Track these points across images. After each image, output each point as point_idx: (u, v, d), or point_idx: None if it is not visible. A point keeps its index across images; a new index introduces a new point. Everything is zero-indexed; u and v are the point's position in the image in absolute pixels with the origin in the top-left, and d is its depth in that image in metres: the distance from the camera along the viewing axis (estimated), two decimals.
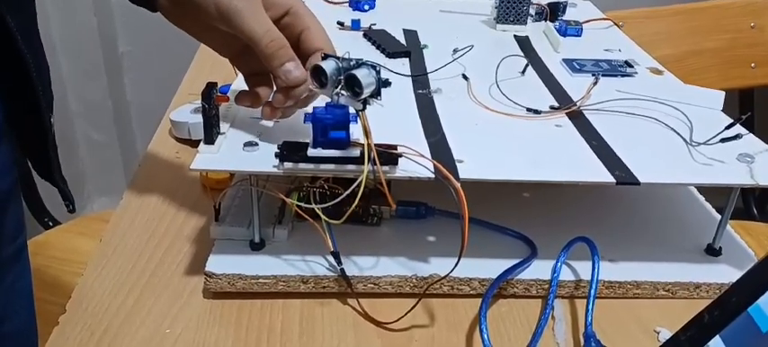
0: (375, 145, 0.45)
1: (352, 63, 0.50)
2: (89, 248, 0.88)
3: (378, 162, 0.45)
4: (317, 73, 0.46)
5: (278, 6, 0.50)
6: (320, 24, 0.52)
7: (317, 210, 0.49)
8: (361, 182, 0.45)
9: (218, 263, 0.50)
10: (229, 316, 0.49)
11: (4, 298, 0.51)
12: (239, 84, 0.61)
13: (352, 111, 0.47)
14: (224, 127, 0.52)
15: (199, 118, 0.71)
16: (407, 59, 0.70)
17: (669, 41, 1.19)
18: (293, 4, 0.50)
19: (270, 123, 0.53)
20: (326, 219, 0.49)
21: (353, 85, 0.44)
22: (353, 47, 0.70)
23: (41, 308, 0.62)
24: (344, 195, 0.46)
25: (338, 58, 0.56)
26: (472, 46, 0.71)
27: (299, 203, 0.51)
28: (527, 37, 0.80)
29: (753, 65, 1.23)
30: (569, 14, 0.86)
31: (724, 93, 0.62)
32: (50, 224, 1.13)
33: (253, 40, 0.48)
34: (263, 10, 0.48)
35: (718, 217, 0.55)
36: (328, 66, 0.45)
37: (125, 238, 0.57)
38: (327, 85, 0.45)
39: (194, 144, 0.71)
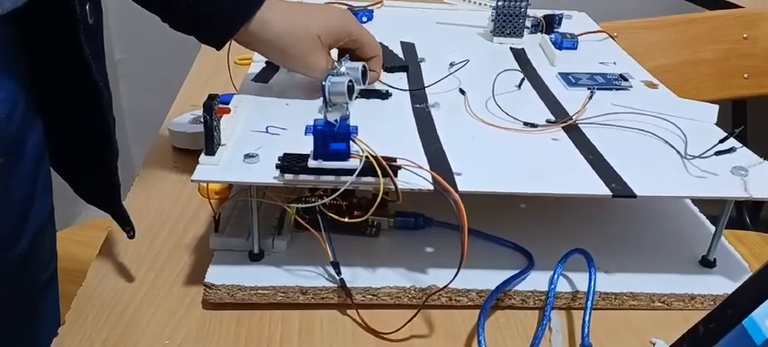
0: (374, 156, 0.46)
1: (339, 65, 0.55)
2: (84, 256, 0.88)
3: (391, 173, 0.46)
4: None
5: (338, 37, 0.61)
6: (370, 36, 0.64)
7: (322, 209, 0.50)
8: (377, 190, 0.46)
9: (218, 274, 0.51)
10: (229, 327, 0.49)
11: (36, 324, 0.51)
12: (239, 95, 0.62)
13: (352, 123, 0.47)
14: (224, 138, 0.52)
15: (198, 127, 0.71)
16: (405, 73, 0.71)
17: (664, 52, 1.20)
18: (349, 30, 0.62)
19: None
20: (336, 218, 0.50)
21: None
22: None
23: None
24: (340, 192, 0.47)
25: (332, 72, 0.57)
26: (468, 60, 0.71)
27: (302, 206, 0.52)
28: (523, 49, 0.80)
29: (746, 75, 1.24)
30: (565, 26, 0.86)
31: (718, 106, 0.63)
32: None
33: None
34: (318, 57, 0.59)
35: (713, 228, 0.56)
36: (347, 80, 0.47)
37: (124, 248, 0.57)
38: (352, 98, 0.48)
39: (193, 153, 0.71)
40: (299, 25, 0.58)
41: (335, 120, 0.46)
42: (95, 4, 0.48)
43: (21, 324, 0.53)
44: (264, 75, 0.67)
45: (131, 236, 0.54)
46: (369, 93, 0.64)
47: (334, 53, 0.63)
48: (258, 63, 0.70)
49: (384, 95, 0.64)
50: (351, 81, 0.57)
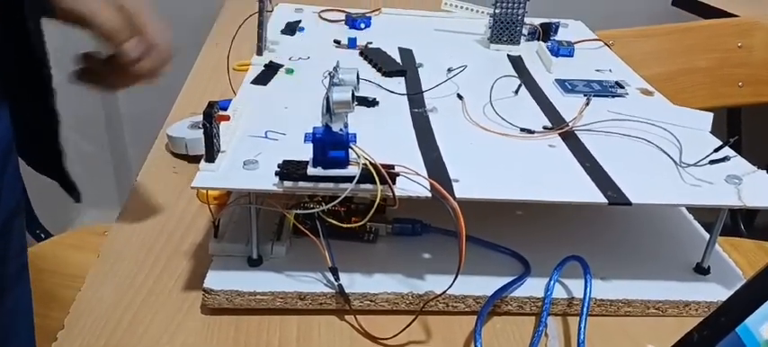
0: (372, 164, 0.46)
1: (338, 73, 0.55)
2: (82, 261, 0.88)
3: (388, 181, 0.46)
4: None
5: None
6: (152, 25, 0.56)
7: (321, 215, 0.50)
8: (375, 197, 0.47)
9: (217, 280, 0.51)
10: (227, 332, 0.49)
11: (7, 317, 0.51)
12: (239, 100, 0.62)
13: (351, 130, 0.48)
14: (224, 144, 0.52)
15: (196, 133, 0.72)
16: (403, 78, 0.71)
17: (659, 60, 1.21)
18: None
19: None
20: (335, 223, 0.51)
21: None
22: (350, 65, 0.71)
23: (36, 322, 0.62)
24: (339, 200, 0.47)
25: (334, 82, 0.58)
26: (466, 66, 0.72)
27: (301, 212, 0.52)
28: (520, 56, 0.81)
29: (740, 84, 1.25)
30: (561, 34, 0.87)
31: (712, 114, 0.64)
32: (43, 236, 1.13)
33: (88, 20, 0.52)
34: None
35: (707, 235, 0.57)
36: (351, 89, 0.48)
37: (123, 253, 0.57)
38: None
39: (191, 159, 0.72)
40: None
41: (341, 129, 0.47)
42: None
43: None
44: (263, 78, 0.68)
45: (78, 201, 0.54)
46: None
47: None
48: (257, 66, 0.70)
49: (371, 103, 0.64)
50: (353, 89, 0.57)
